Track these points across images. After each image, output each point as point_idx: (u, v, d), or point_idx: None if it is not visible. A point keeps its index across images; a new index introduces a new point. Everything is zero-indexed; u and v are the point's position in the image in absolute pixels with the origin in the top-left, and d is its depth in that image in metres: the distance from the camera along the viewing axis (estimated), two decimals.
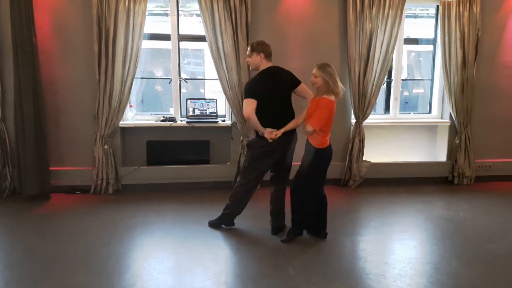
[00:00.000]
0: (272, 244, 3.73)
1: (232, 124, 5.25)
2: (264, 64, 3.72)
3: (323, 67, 3.49)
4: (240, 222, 4.13)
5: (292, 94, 3.83)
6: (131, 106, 5.22)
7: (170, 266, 3.33)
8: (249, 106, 3.60)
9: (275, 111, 3.70)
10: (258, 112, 3.62)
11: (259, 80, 3.70)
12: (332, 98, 3.50)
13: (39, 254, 3.48)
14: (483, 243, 3.80)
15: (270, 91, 3.66)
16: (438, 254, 3.58)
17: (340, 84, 3.52)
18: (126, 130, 5.26)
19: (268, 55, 3.72)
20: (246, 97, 3.65)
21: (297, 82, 3.79)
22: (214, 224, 4.08)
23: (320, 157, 3.61)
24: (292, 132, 3.76)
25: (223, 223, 4.07)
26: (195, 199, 4.95)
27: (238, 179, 3.98)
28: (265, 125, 3.66)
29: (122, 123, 5.14)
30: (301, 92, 3.82)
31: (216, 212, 4.11)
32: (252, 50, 3.71)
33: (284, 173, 3.96)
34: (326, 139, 3.60)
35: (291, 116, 3.77)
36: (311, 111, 3.56)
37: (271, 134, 3.62)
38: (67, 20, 4.88)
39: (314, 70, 3.52)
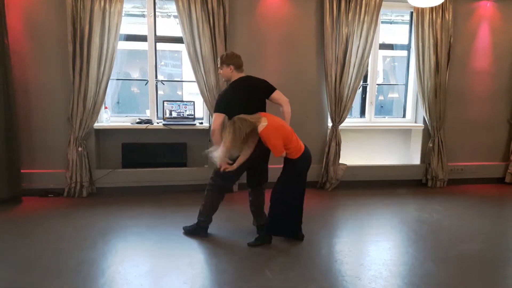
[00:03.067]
0: (252, 247, 3.71)
1: (210, 126, 5.23)
2: (235, 76, 3.71)
3: (229, 128, 3.38)
4: (216, 225, 4.11)
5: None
6: (106, 107, 5.14)
7: (145, 270, 3.29)
8: (216, 119, 3.60)
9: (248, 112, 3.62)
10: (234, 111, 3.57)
11: (228, 92, 3.69)
12: (264, 122, 3.40)
13: (10, 260, 3.38)
14: (455, 244, 3.89)
15: (242, 101, 3.62)
16: (412, 256, 3.65)
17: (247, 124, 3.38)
18: (101, 132, 5.18)
19: (237, 67, 3.71)
20: (214, 111, 3.65)
21: (271, 89, 3.76)
22: (189, 232, 3.99)
23: (300, 165, 3.60)
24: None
25: (198, 233, 3.95)
26: (171, 202, 4.90)
27: (209, 181, 3.90)
28: None
29: (97, 125, 5.05)
30: (276, 99, 3.78)
31: (193, 215, 4.08)
32: (222, 62, 3.72)
33: (259, 177, 3.93)
34: (297, 148, 3.55)
35: None
36: (264, 142, 3.49)
37: (225, 165, 3.57)
38: (41, 20, 4.77)
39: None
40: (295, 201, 3.73)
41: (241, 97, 3.65)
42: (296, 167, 3.60)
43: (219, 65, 3.76)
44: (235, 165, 3.58)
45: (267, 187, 3.92)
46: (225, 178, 3.76)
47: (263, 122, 3.42)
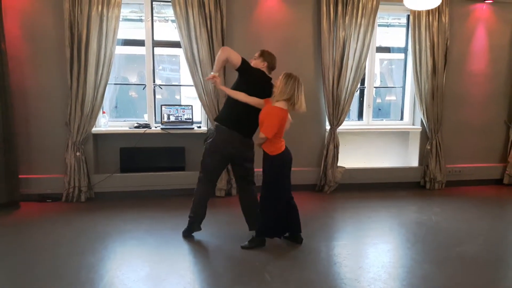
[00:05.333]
0: (247, 250, 3.71)
1: (208, 130, 5.23)
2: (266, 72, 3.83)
3: (290, 76, 3.53)
4: (215, 229, 4.11)
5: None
6: (104, 112, 5.14)
7: (144, 274, 3.28)
8: (237, 56, 3.63)
9: (244, 112, 3.68)
10: (234, 102, 3.66)
11: (254, 73, 3.72)
12: (285, 106, 3.52)
13: (8, 265, 3.37)
14: (454, 245, 3.90)
15: (252, 88, 3.66)
16: (411, 258, 3.65)
17: (303, 98, 3.54)
18: (98, 136, 5.17)
19: (270, 67, 3.81)
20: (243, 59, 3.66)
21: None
22: (185, 232, 3.99)
23: (277, 163, 3.62)
24: (235, 139, 3.71)
25: (191, 230, 3.97)
26: (170, 206, 4.89)
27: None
28: (229, 119, 3.69)
29: (94, 129, 5.05)
30: None
31: None
32: (261, 55, 3.80)
33: (246, 181, 3.93)
34: (280, 145, 3.60)
35: (255, 125, 3.74)
36: (263, 117, 3.56)
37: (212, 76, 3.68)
38: (38, 25, 4.77)
39: (281, 76, 3.55)
40: (283, 203, 3.72)
41: (256, 87, 3.69)
42: (274, 163, 3.61)
43: (256, 55, 3.82)
44: (216, 70, 3.66)
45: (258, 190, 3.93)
46: (205, 171, 3.82)
47: (283, 106, 3.52)
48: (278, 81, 3.56)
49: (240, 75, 3.71)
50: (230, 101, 3.73)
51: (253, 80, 3.70)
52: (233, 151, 3.73)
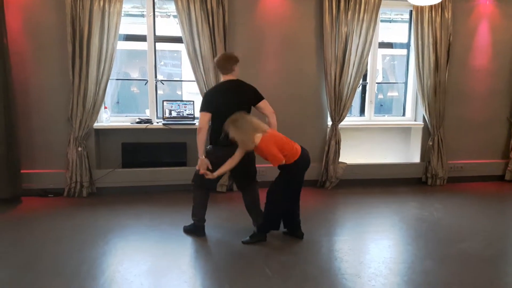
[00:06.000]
0: (249, 245, 3.72)
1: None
2: (223, 78, 3.79)
3: (229, 126, 3.41)
4: (216, 224, 4.11)
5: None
6: (105, 107, 5.14)
7: (145, 269, 3.29)
8: (202, 118, 3.65)
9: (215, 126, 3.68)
10: (214, 123, 3.66)
11: (211, 92, 3.77)
12: (260, 133, 3.44)
13: (10, 260, 3.38)
14: (455, 242, 3.89)
15: (227, 104, 3.61)
16: (412, 254, 3.65)
17: (252, 128, 3.42)
18: (100, 132, 5.18)
19: (221, 70, 3.77)
20: (200, 110, 3.69)
21: (259, 98, 3.79)
22: (188, 231, 4.00)
23: (292, 170, 3.57)
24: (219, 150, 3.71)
25: (195, 233, 3.95)
26: (171, 202, 4.90)
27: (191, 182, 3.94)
28: (217, 138, 3.67)
29: (96, 125, 5.05)
30: (262, 108, 3.80)
31: None
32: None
33: (246, 180, 3.93)
34: (293, 152, 3.53)
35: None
36: (262, 155, 3.52)
37: (203, 170, 3.61)
38: (40, 20, 4.77)
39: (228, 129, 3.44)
40: (291, 201, 3.72)
41: (226, 100, 3.66)
42: (293, 170, 3.58)
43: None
44: (216, 174, 3.57)
45: (262, 186, 3.92)
46: (195, 175, 3.82)
47: (258, 133, 3.43)
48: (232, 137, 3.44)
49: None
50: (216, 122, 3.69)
51: (219, 99, 3.68)
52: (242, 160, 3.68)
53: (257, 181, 3.97)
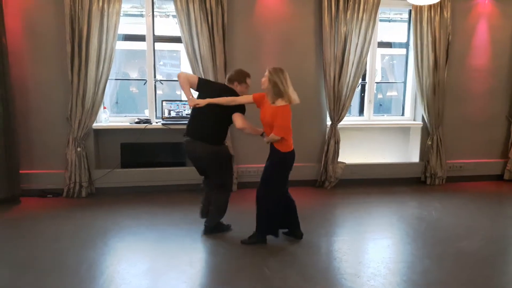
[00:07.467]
0: (248, 245, 3.72)
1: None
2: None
3: (275, 71, 3.50)
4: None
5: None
6: (104, 107, 5.14)
7: (144, 269, 3.29)
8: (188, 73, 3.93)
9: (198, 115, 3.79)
10: (221, 126, 3.83)
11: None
12: (286, 102, 3.51)
13: (8, 260, 3.38)
14: (454, 241, 3.90)
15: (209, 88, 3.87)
16: (411, 253, 3.65)
17: (292, 90, 3.52)
18: (99, 132, 5.18)
19: (229, 79, 3.89)
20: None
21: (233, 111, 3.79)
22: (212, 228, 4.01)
23: (285, 161, 3.61)
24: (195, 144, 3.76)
25: (219, 230, 4.02)
26: (170, 202, 4.90)
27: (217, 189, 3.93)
28: (224, 138, 3.89)
29: (95, 125, 5.05)
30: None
31: (192, 215, 4.08)
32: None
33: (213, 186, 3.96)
34: (291, 142, 3.59)
35: (207, 131, 3.75)
36: (269, 119, 3.52)
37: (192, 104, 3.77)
38: (39, 20, 4.77)
39: (266, 73, 3.53)
40: (280, 198, 3.71)
41: (212, 89, 3.86)
42: (286, 160, 3.60)
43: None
44: (203, 102, 3.68)
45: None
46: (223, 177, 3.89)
47: (285, 102, 3.53)
48: (264, 80, 3.52)
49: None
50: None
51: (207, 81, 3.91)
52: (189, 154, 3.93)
53: (225, 193, 3.92)
